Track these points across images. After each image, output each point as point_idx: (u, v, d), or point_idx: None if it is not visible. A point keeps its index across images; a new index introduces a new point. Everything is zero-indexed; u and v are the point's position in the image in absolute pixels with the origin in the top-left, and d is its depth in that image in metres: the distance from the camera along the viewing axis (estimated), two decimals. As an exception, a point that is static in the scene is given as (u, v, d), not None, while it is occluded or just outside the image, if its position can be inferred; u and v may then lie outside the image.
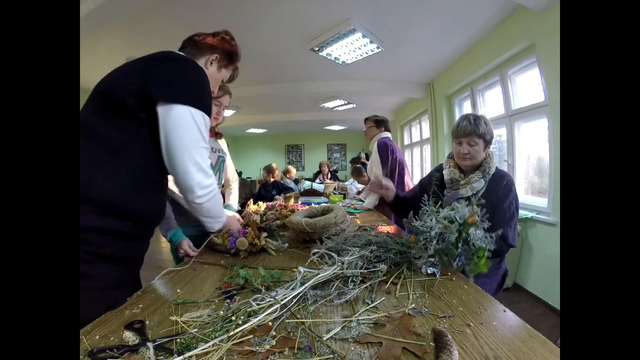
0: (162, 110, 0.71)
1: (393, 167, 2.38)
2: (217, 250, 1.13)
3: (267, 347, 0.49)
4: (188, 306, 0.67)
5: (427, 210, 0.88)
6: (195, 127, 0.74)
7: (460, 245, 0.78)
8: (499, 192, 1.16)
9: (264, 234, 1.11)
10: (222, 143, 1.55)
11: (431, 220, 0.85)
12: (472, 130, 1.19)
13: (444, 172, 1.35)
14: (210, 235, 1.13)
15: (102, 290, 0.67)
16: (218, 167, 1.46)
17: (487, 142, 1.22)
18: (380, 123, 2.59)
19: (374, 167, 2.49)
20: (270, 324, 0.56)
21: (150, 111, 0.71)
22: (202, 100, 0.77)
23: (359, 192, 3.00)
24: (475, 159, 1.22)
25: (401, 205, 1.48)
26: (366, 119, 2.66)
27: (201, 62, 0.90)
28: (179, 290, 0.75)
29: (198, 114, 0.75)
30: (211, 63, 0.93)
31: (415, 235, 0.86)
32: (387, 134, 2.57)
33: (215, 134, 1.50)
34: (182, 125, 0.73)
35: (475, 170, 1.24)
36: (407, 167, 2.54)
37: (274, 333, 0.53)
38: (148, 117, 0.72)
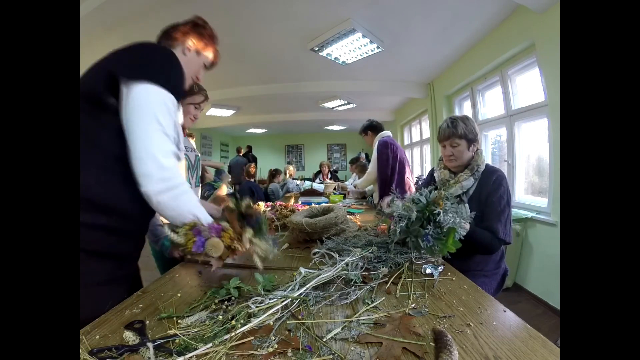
0: (124, 90, 0.67)
1: (393, 165, 2.39)
2: (176, 258, 0.94)
3: (270, 349, 0.49)
4: (186, 307, 0.66)
5: (395, 197, 0.99)
6: (150, 107, 0.67)
7: (430, 226, 0.86)
8: (489, 187, 1.19)
9: (249, 232, 0.75)
10: (193, 143, 1.59)
11: (397, 204, 0.94)
12: (451, 132, 1.25)
13: (435, 174, 1.40)
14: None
15: (95, 287, 0.66)
16: (196, 166, 1.48)
17: (470, 141, 1.25)
18: (367, 129, 2.60)
19: (370, 166, 2.52)
20: (271, 323, 0.56)
21: (118, 95, 0.68)
22: (164, 77, 0.70)
23: (355, 187, 3.00)
24: (460, 159, 1.27)
25: None
26: (360, 133, 2.69)
27: (178, 51, 0.87)
28: (178, 294, 0.74)
29: (158, 93, 0.68)
30: (189, 49, 0.89)
31: (386, 224, 0.98)
32: (386, 133, 2.56)
33: (187, 134, 1.52)
34: (138, 105, 0.66)
35: (464, 169, 1.26)
36: (408, 164, 2.54)
37: (273, 337, 0.53)
38: (118, 102, 0.68)
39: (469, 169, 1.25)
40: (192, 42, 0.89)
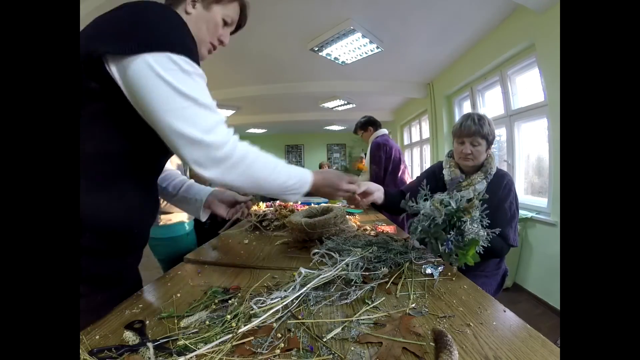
0: (117, 70, 0.53)
1: (386, 166, 2.39)
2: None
3: (277, 351, 0.49)
4: (186, 307, 0.66)
5: (424, 194, 0.91)
6: (161, 81, 0.53)
7: (452, 232, 0.80)
8: (500, 192, 1.17)
9: None
10: None
11: (425, 202, 0.87)
12: (477, 130, 1.17)
13: (444, 171, 1.34)
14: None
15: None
16: None
17: (490, 143, 1.22)
18: (366, 125, 2.60)
19: (368, 166, 2.56)
20: (273, 324, 0.56)
21: (102, 77, 0.54)
22: (162, 40, 0.54)
23: None
24: (478, 159, 1.22)
25: (395, 201, 1.23)
26: (356, 130, 2.68)
27: (181, 8, 0.69)
28: (178, 295, 0.74)
29: (161, 60, 0.53)
30: (194, 5, 0.69)
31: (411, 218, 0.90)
32: (382, 132, 2.56)
33: None
34: (144, 85, 0.52)
35: (476, 170, 1.24)
36: (403, 162, 2.49)
37: (272, 338, 0.53)
38: (101, 85, 0.54)
39: (483, 171, 1.21)
40: None
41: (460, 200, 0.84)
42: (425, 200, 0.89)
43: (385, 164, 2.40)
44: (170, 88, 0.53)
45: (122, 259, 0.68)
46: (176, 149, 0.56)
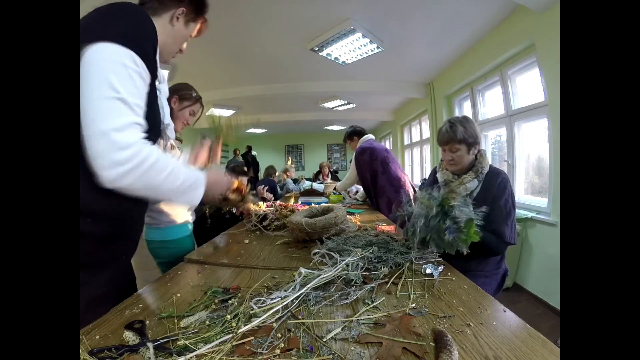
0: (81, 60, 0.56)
1: (375, 168, 2.32)
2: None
3: (277, 351, 0.49)
4: (186, 307, 0.67)
5: (406, 200, 0.98)
6: (98, 67, 0.55)
7: (447, 221, 0.86)
8: (494, 190, 1.18)
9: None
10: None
11: (410, 206, 0.94)
12: (450, 137, 1.23)
13: (437, 174, 1.39)
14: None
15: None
16: None
17: (470, 145, 1.23)
18: (352, 135, 2.60)
19: (349, 170, 2.57)
20: (273, 324, 0.56)
21: None
22: (118, 31, 0.58)
23: (356, 192, 2.95)
24: (461, 163, 1.26)
25: None
26: (345, 140, 2.70)
27: (164, 18, 0.74)
28: (178, 295, 0.74)
29: (111, 51, 0.56)
30: (177, 18, 0.76)
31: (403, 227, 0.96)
32: (366, 138, 2.50)
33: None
34: (86, 71, 0.55)
35: (468, 171, 1.26)
36: (393, 162, 2.38)
37: (272, 338, 0.53)
38: None
39: (473, 171, 1.24)
40: (182, 12, 0.76)
41: (440, 188, 0.91)
42: (409, 205, 0.95)
43: (374, 165, 2.33)
44: (102, 76, 0.55)
45: (115, 246, 0.71)
46: (85, 137, 0.54)
